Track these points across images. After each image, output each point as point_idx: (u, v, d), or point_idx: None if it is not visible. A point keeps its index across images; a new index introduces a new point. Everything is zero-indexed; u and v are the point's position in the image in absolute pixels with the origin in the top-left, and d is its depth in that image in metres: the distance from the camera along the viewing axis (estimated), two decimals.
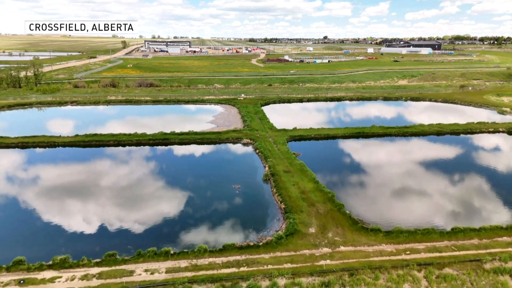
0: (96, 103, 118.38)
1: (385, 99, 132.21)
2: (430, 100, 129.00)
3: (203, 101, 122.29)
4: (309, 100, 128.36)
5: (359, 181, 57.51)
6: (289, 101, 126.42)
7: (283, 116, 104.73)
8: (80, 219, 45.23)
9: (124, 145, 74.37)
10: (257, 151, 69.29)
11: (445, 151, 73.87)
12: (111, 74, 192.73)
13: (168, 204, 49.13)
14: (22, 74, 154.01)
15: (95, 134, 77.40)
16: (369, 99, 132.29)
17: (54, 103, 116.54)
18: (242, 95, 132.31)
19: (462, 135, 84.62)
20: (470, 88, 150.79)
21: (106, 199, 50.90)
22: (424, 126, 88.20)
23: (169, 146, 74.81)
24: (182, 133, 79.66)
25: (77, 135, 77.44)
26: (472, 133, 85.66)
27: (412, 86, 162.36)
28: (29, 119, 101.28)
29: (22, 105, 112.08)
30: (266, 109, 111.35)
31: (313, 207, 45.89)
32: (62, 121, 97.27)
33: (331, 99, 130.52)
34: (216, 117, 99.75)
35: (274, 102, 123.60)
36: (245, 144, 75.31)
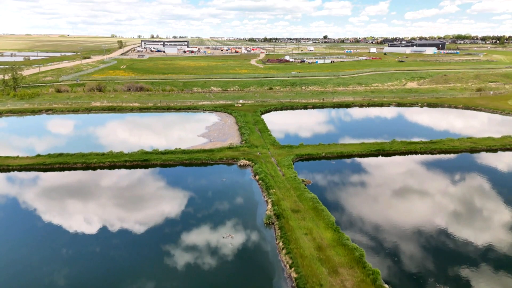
0: (75, 111, 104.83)
1: (399, 105, 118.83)
2: (449, 107, 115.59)
3: (196, 108, 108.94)
4: (314, 107, 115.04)
5: (392, 226, 43.56)
6: (292, 107, 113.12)
7: (286, 127, 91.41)
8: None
9: (94, 168, 60.75)
10: (257, 177, 55.79)
11: (495, 177, 58.66)
12: (101, 76, 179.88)
13: (128, 270, 35.62)
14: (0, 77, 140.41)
15: (61, 154, 63.84)
16: (381, 105, 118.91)
17: (27, 111, 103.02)
18: (240, 101, 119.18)
19: (500, 152, 71.18)
20: (491, 92, 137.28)
21: (42, 262, 37.53)
22: (453, 141, 74.79)
23: (149, 169, 61.22)
24: (166, 152, 66.21)
25: (38, 155, 63.89)
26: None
27: (424, 90, 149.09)
28: None
29: None
30: (267, 117, 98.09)
31: (337, 276, 32.53)
32: (27, 136, 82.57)
33: (339, 105, 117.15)
34: (210, 128, 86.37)
35: (276, 109, 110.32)
36: (242, 167, 61.73)
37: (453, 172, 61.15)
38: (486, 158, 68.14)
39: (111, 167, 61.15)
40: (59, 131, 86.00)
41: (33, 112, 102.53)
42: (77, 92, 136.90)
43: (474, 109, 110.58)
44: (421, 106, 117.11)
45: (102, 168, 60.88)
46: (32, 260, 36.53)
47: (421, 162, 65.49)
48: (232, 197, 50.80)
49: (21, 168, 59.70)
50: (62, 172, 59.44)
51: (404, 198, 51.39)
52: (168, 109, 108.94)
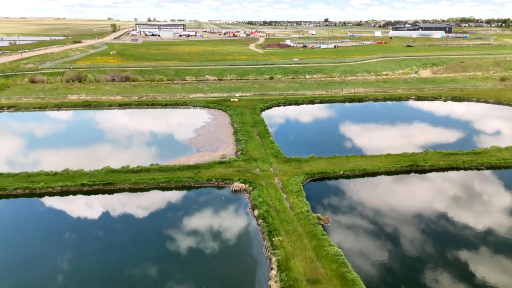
0: (43, 107, 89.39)
1: (419, 98, 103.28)
2: (477, 101, 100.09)
3: (185, 104, 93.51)
4: (322, 101, 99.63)
5: None
6: (296, 102, 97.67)
7: (292, 130, 76.40)
8: None
9: (41, 195, 45.74)
10: (256, 212, 40.98)
11: None
12: (87, 63, 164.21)
13: None
14: None
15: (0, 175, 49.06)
16: (398, 99, 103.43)
17: None
18: (237, 94, 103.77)
19: None
20: None
21: None
22: (501, 150, 59.76)
23: (114, 195, 46.33)
24: (139, 170, 51.24)
25: None
26: None
27: (442, 79, 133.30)
28: None
29: None
30: (268, 116, 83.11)
31: None
32: None
33: (351, 99, 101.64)
34: (199, 132, 71.21)
35: (278, 104, 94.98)
36: (236, 192, 46.82)
37: None
38: None
39: (63, 193, 46.13)
40: (11, 138, 69.04)
41: None
42: (53, 83, 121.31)
43: (508, 104, 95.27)
44: (445, 100, 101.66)
45: (51, 194, 45.94)
46: None
47: (470, 184, 50.32)
48: (218, 249, 35.57)
49: None
50: None
51: (478, 251, 36.54)
52: (153, 104, 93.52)
